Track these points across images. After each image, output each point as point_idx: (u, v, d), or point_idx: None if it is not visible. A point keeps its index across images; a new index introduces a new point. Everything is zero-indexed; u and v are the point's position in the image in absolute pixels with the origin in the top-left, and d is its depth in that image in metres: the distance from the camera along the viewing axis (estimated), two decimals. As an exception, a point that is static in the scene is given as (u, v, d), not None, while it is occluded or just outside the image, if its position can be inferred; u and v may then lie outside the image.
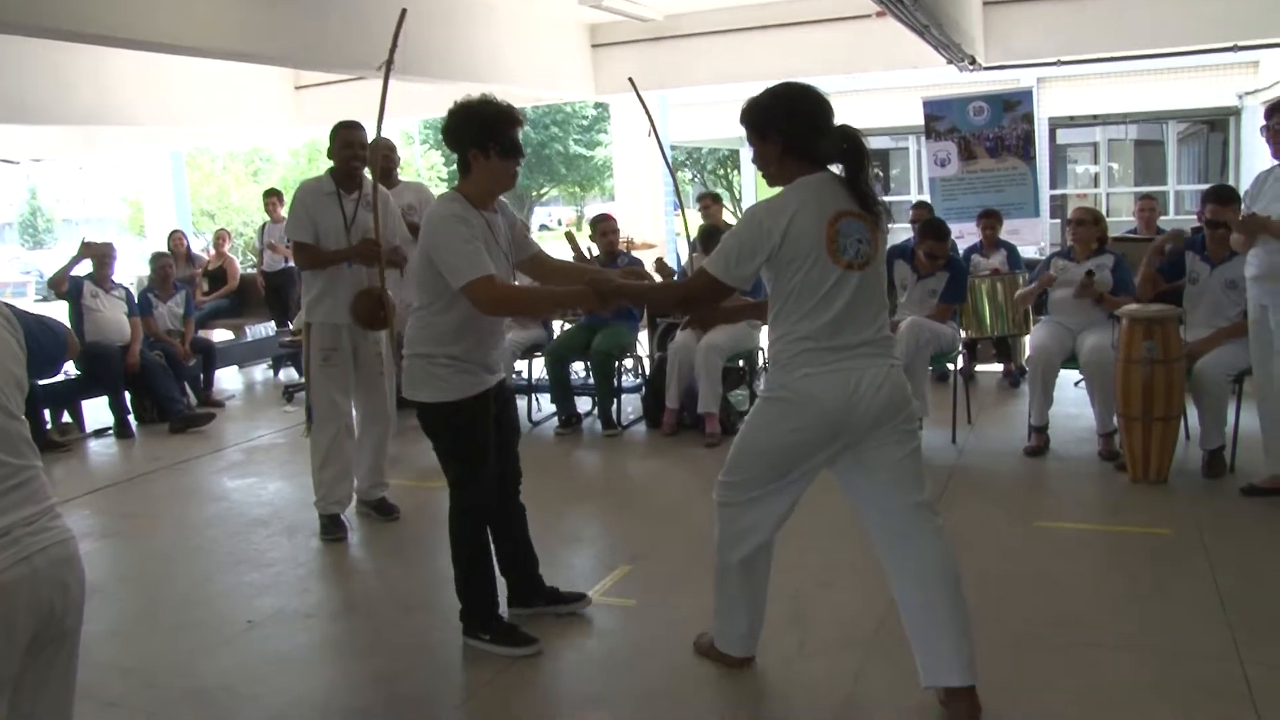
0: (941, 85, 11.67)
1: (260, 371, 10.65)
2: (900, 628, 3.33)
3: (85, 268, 8.26)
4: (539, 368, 7.60)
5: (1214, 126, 21.48)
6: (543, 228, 35.34)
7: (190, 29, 6.70)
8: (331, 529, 5.27)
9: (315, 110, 12.40)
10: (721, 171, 33.23)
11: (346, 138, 5.21)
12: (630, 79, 4.84)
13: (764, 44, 10.39)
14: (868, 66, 10.72)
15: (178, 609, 4.52)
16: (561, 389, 7.25)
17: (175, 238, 10.99)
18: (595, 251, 7.67)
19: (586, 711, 3.51)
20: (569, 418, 7.29)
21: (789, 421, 3.19)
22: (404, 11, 5.28)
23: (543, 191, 35.41)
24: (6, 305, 2.27)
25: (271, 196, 11.06)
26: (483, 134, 3.59)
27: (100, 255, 8.23)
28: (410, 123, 26.64)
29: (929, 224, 6.77)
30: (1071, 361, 6.21)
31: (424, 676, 3.81)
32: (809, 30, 10.30)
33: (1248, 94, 18.65)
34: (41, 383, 7.60)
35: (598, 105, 30.06)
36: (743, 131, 3.29)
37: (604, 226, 7.63)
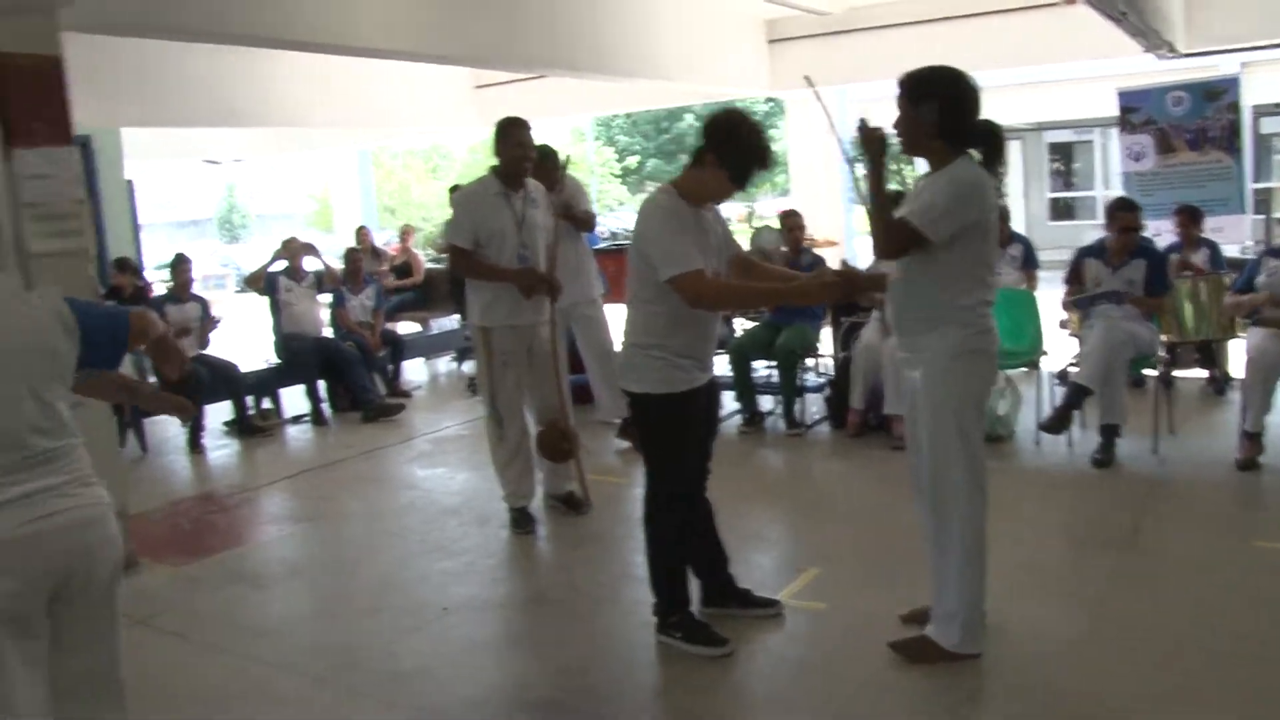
0: (1133, 74, 11.10)
1: (443, 363, 10.99)
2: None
3: (280, 264, 8.67)
4: (719, 364, 7.57)
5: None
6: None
7: (384, 33, 6.98)
8: (522, 522, 5.36)
9: (495, 109, 12.66)
10: (895, 167, 32.52)
11: (515, 136, 5.19)
12: (807, 77, 4.75)
13: (947, 36, 10.10)
14: (1058, 57, 10.32)
15: (375, 593, 4.70)
16: (745, 387, 7.22)
17: (361, 233, 11.41)
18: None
19: (779, 717, 3.49)
20: (752, 416, 7.26)
21: (990, 372, 3.66)
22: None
23: (711, 187, 35.30)
24: (59, 295, 2.45)
25: (454, 192, 11.36)
26: (731, 152, 3.67)
27: (297, 252, 8.62)
28: (584, 119, 26.99)
29: (1116, 200, 6.51)
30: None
31: (614, 671, 3.87)
32: (994, 20, 9.99)
33: None
34: (245, 371, 8.05)
35: (769, 100, 29.90)
36: None
37: (791, 221, 7.55)
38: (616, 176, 31.30)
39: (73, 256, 4.97)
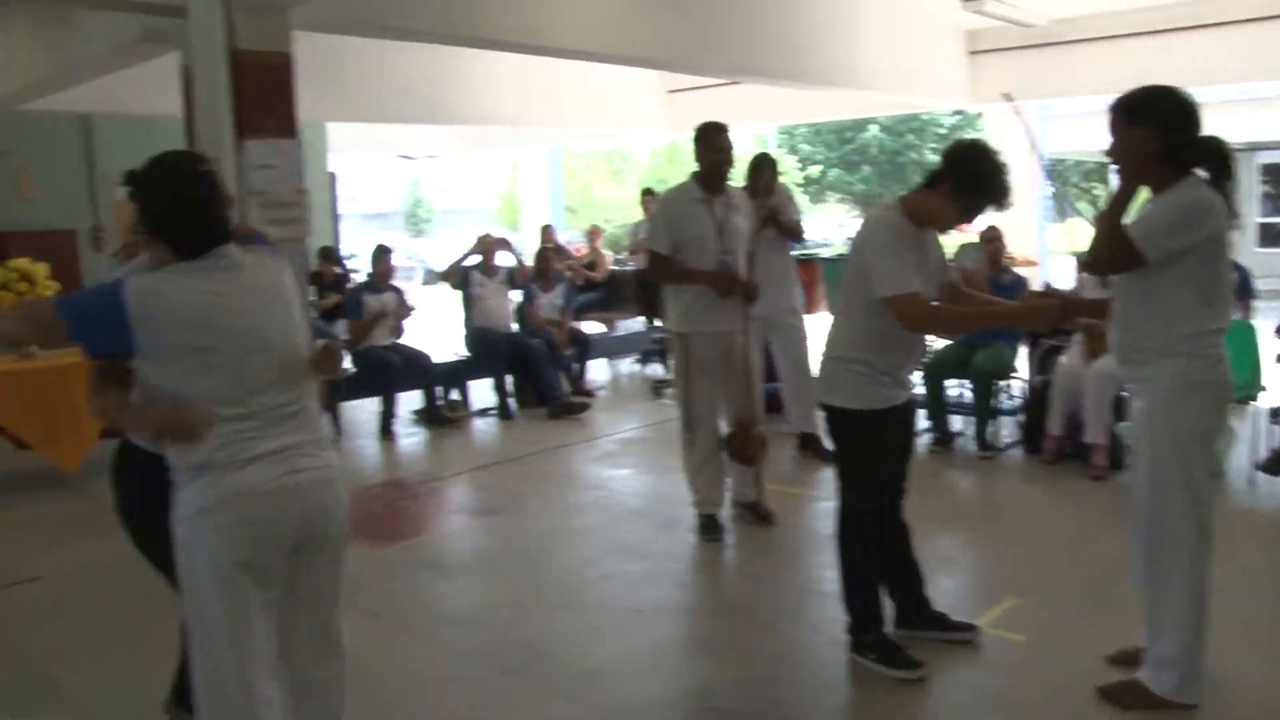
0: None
1: (625, 365, 11.09)
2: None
3: (474, 258, 8.89)
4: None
5: None
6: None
7: (591, 35, 7.06)
8: (709, 529, 5.32)
9: (685, 114, 12.77)
10: (1086, 185, 31.32)
11: (715, 140, 5.14)
12: (1006, 94, 4.56)
13: (1160, 49, 9.64)
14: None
15: (565, 589, 4.77)
16: (938, 406, 7.04)
17: (546, 231, 11.61)
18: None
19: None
20: (943, 436, 7.07)
21: (1220, 407, 3.42)
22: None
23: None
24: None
25: (647, 195, 11.48)
26: (969, 184, 3.59)
27: (490, 248, 8.82)
28: (773, 127, 26.85)
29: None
30: None
31: (801, 685, 3.80)
32: (1211, 34, 9.45)
33: None
34: (436, 362, 8.29)
35: (957, 113, 29.18)
36: None
37: (990, 233, 7.32)
38: (798, 185, 31.01)
39: (292, 243, 5.22)
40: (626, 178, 30.13)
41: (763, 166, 6.39)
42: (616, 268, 11.73)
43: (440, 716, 3.65)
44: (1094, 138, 18.55)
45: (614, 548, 5.28)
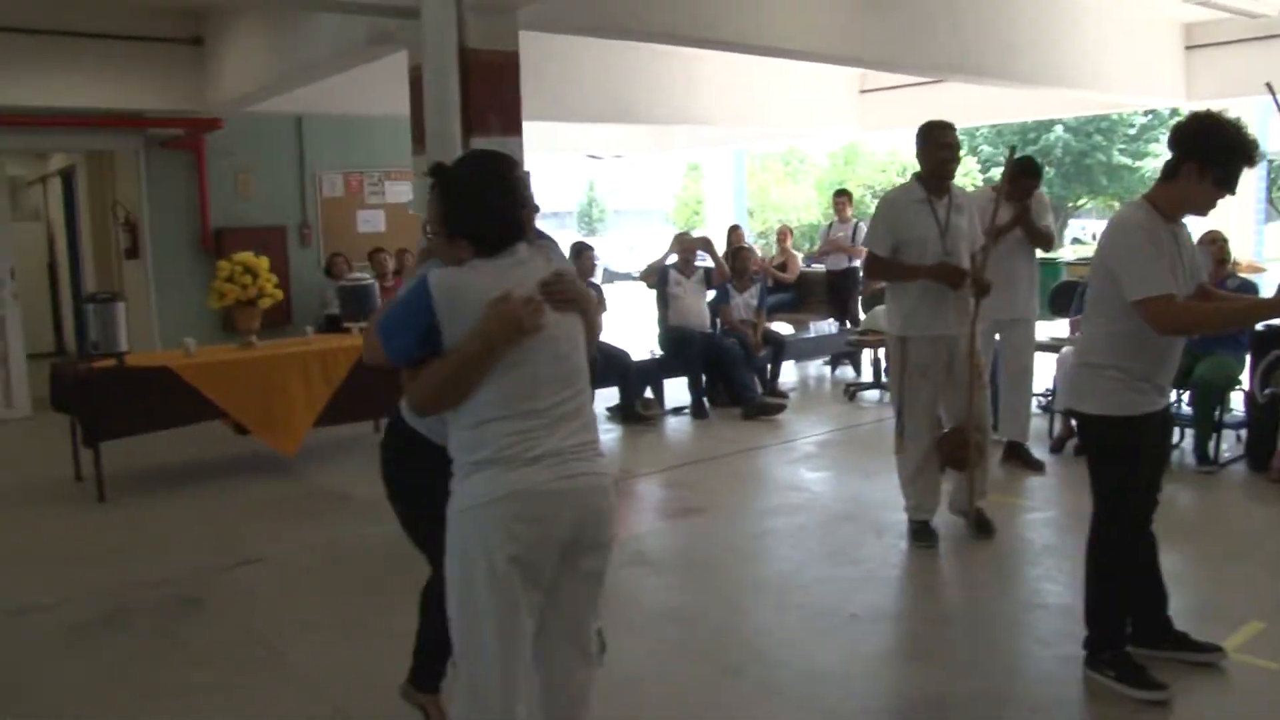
0: None
1: (815, 367, 10.97)
2: None
3: (672, 258, 8.93)
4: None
5: None
6: (1075, 240, 33.42)
7: (805, 34, 7.00)
8: (922, 536, 5.19)
9: (876, 114, 12.56)
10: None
11: (940, 138, 4.99)
12: (1269, 84, 4.27)
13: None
14: None
15: (778, 590, 4.73)
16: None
17: (735, 232, 11.56)
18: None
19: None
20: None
21: None
22: (1013, 149, 5.09)
23: (1080, 203, 33.41)
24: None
25: (841, 197, 11.34)
26: (1214, 153, 3.42)
27: (689, 248, 8.85)
28: (971, 126, 26.15)
29: None
30: None
31: (1036, 704, 3.64)
32: None
33: None
34: (634, 360, 8.35)
35: (1149, 113, 27.80)
36: None
37: (1212, 235, 6.92)
38: (976, 187, 30.23)
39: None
40: (803, 179, 29.84)
41: (1025, 171, 6.20)
42: (805, 268, 11.60)
43: (661, 714, 3.66)
44: None
45: (827, 551, 5.22)
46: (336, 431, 7.41)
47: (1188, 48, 10.20)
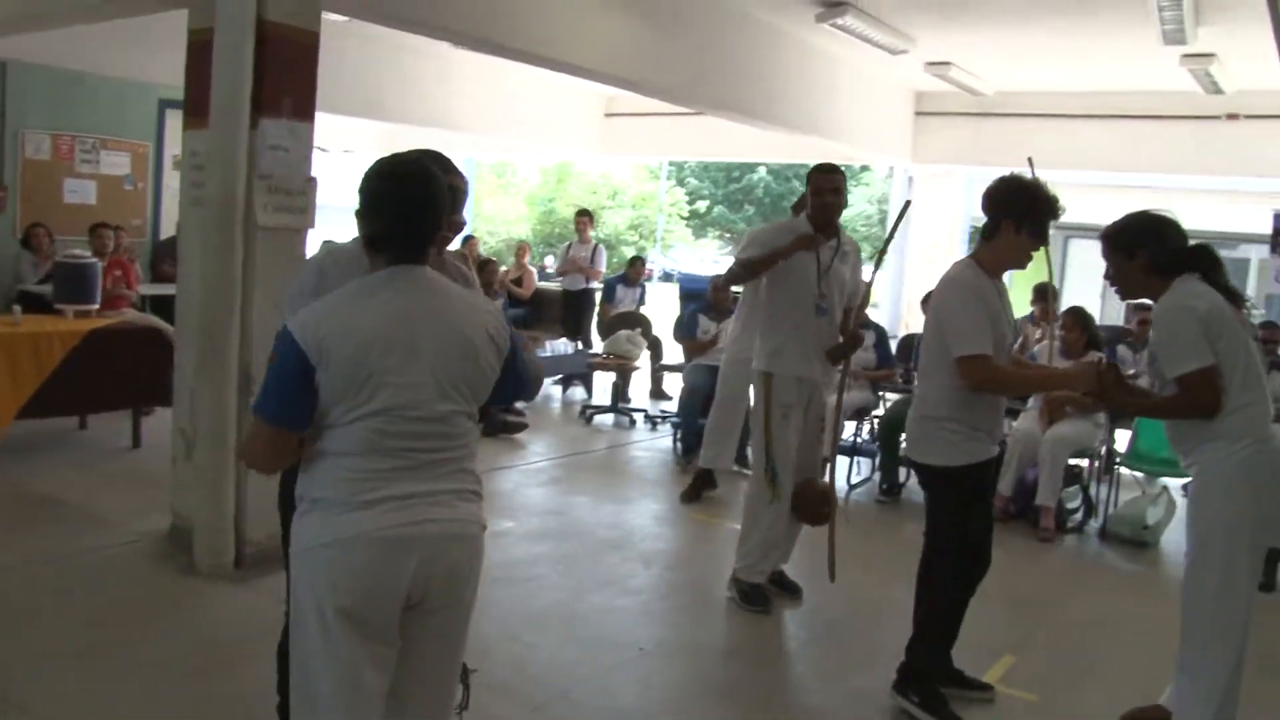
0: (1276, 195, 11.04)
1: (545, 386, 10.88)
2: None
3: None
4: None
5: None
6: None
7: (605, 57, 7.04)
8: (754, 598, 4.89)
9: (621, 139, 12.75)
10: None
11: (822, 182, 4.79)
12: (1030, 159, 4.70)
13: (1098, 133, 10.10)
14: (1212, 170, 10.26)
15: (563, 621, 4.59)
16: (891, 457, 7.12)
17: (470, 244, 11.36)
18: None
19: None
20: (891, 486, 7.16)
21: (1273, 491, 3.44)
22: (908, 203, 5.13)
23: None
24: (501, 323, 2.36)
25: (583, 217, 11.34)
26: (1026, 211, 3.68)
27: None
28: (659, 159, 27.07)
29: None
30: None
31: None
32: (1148, 125, 9.98)
33: None
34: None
35: (846, 164, 29.92)
36: None
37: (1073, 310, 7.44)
38: (683, 218, 31.41)
39: (294, 234, 4.93)
40: (514, 192, 29.86)
41: None
42: (546, 284, 11.57)
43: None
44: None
45: (597, 581, 5.13)
46: (33, 426, 6.60)
47: (917, 114, 11.03)
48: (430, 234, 2.27)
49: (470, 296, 2.39)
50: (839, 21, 7.68)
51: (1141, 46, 7.86)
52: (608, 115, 12.71)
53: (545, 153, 17.30)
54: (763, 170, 31.68)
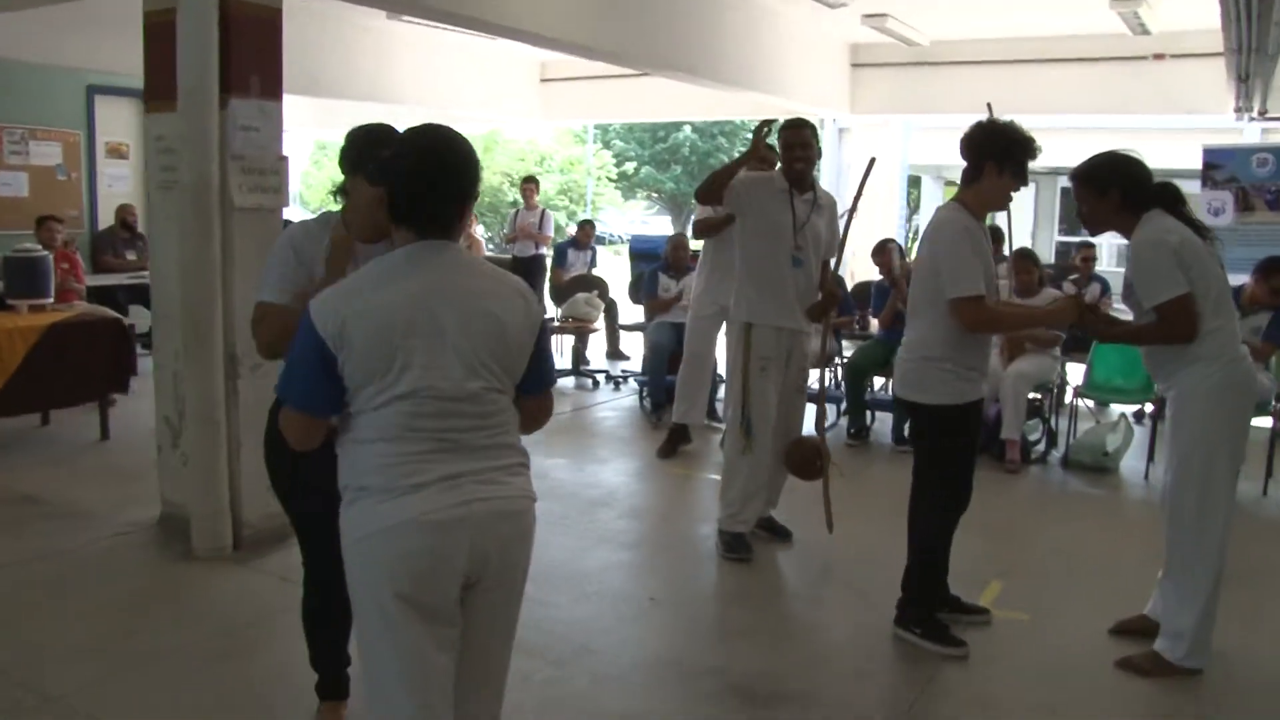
0: (1203, 131, 11.36)
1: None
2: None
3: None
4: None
5: None
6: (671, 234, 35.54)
7: (551, 21, 7.02)
8: (738, 548, 4.95)
9: (558, 104, 12.70)
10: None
11: (788, 138, 4.86)
12: (989, 104, 4.83)
13: (1031, 77, 10.33)
14: (1142, 109, 10.52)
15: (571, 579, 4.66)
16: (858, 402, 7.29)
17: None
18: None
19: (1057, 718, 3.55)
20: (859, 430, 7.33)
21: (1246, 402, 3.75)
22: (873, 160, 5.01)
23: (700, 199, 35.58)
24: (532, 300, 2.33)
25: (529, 184, 11.32)
26: (1006, 152, 3.82)
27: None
28: (584, 123, 26.94)
29: (1271, 260, 6.65)
30: None
31: (856, 667, 3.88)
32: (1079, 68, 10.21)
33: None
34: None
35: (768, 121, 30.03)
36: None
37: (887, 252, 7.72)
38: (611, 180, 31.35)
39: (270, 214, 4.91)
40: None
41: None
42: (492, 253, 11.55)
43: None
44: (950, 151, 19.47)
45: (596, 538, 5.23)
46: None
47: (853, 65, 11.16)
48: (458, 207, 2.23)
49: (498, 272, 2.35)
50: (781, -24, 7.77)
51: (1075, -9, 8.06)
52: (543, 81, 12.67)
53: (484, 121, 17.12)
54: (688, 129, 31.68)
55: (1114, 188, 3.74)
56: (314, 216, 2.88)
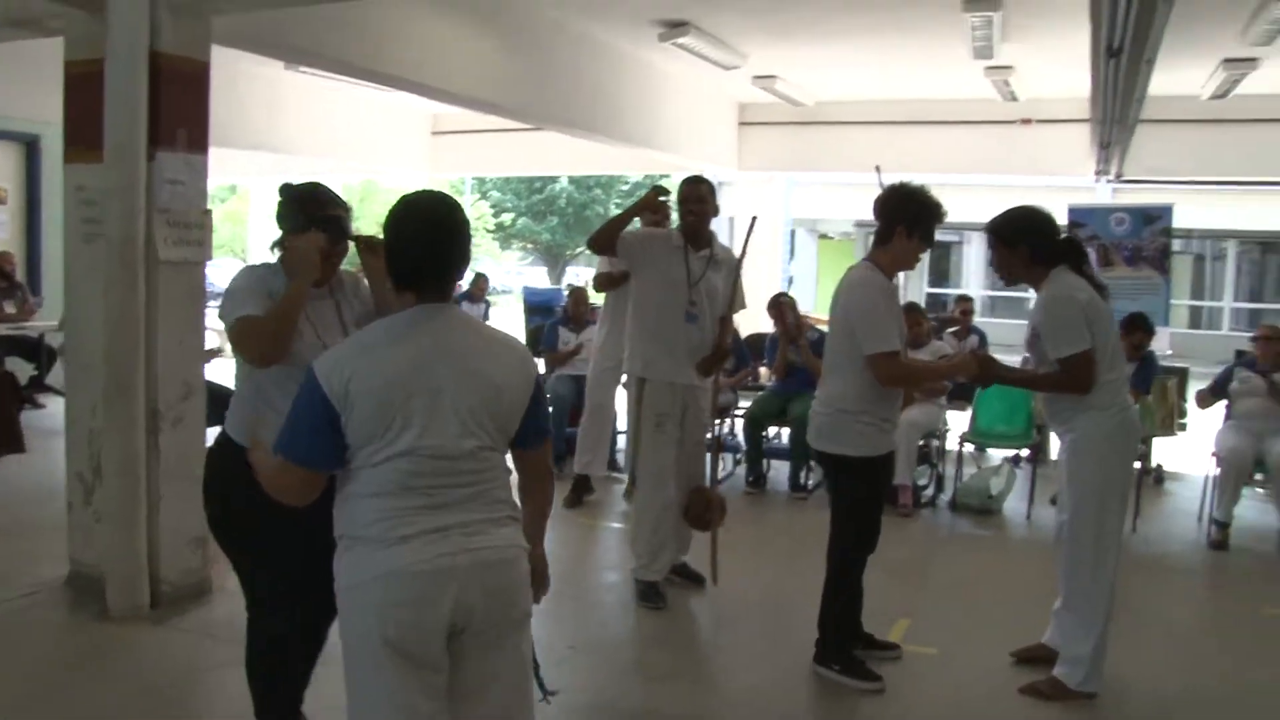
0: (1062, 190, 12.12)
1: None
2: None
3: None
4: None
5: (1268, 249, 22.40)
6: (570, 287, 35.75)
7: (462, 79, 7.20)
8: (651, 596, 5.07)
9: (450, 157, 12.81)
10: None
11: (682, 192, 4.99)
12: (877, 167, 5.17)
13: (909, 138, 10.89)
14: (1011, 170, 11.24)
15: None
16: (757, 451, 7.55)
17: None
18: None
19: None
20: (757, 478, 7.58)
21: (1131, 448, 4.14)
22: (755, 219, 5.11)
23: (577, 251, 35.90)
24: (528, 360, 2.50)
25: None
26: (916, 217, 4.10)
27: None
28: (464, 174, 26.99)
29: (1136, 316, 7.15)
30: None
31: (782, 710, 4.08)
32: (953, 130, 10.83)
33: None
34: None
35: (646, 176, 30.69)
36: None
37: (786, 303, 8.00)
38: (489, 231, 31.43)
39: (194, 267, 4.91)
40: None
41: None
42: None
43: None
44: (839, 206, 19.98)
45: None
46: None
47: (741, 124, 11.58)
48: (455, 272, 2.39)
49: (494, 332, 2.51)
50: (680, 41, 8.07)
51: (952, 60, 8.59)
52: (434, 133, 12.76)
53: (378, 174, 17.09)
54: (565, 180, 32.03)
55: (1023, 243, 4.04)
56: (262, 264, 3.12)
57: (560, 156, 12.18)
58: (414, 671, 2.28)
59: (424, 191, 2.48)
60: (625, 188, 33.42)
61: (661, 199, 5.02)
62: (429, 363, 2.29)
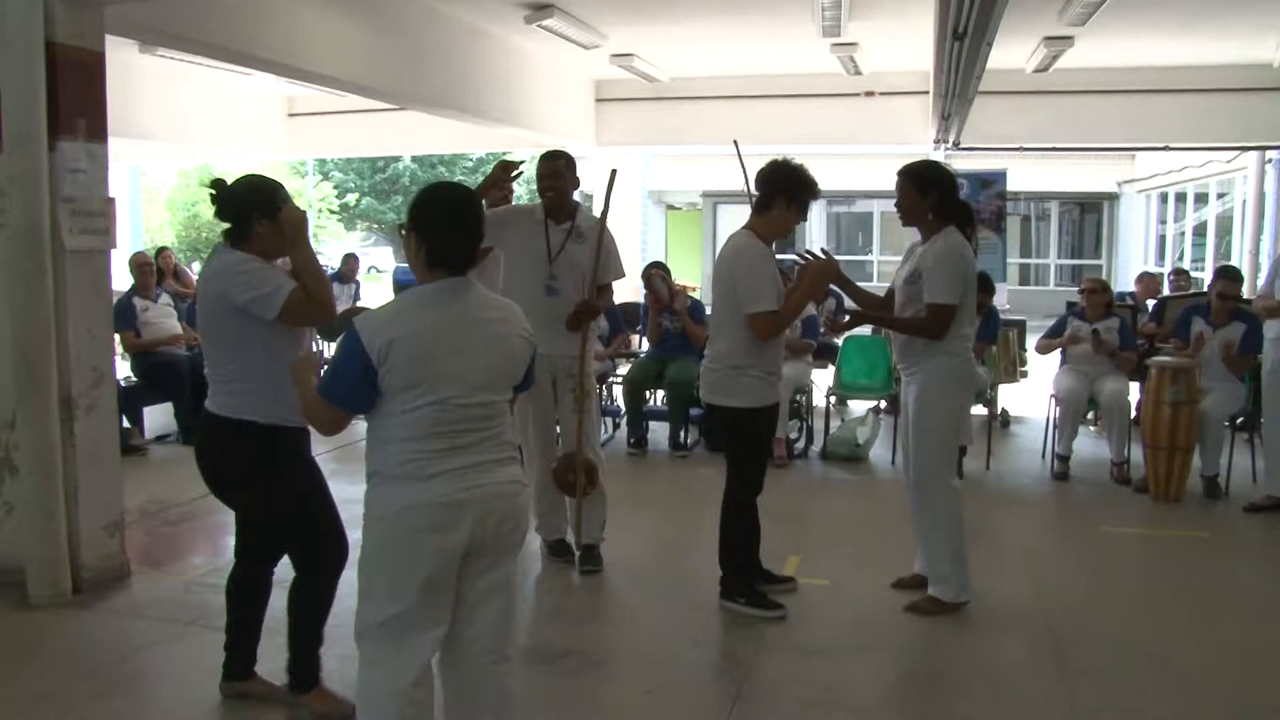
0: (896, 157, 12.83)
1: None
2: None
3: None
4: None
5: (1086, 208, 23.99)
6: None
7: (341, 63, 7.33)
8: (560, 551, 5.40)
9: (306, 139, 12.72)
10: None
11: (539, 169, 5.09)
12: (735, 141, 5.50)
13: (760, 111, 11.38)
14: (857, 140, 11.87)
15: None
16: (637, 414, 7.93)
17: (164, 254, 11.00)
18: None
19: (870, 655, 4.29)
20: (639, 440, 7.96)
21: (970, 392, 5.06)
22: (614, 171, 5.16)
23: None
24: (528, 329, 2.96)
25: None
26: (794, 190, 4.51)
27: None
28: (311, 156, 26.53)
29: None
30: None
31: (694, 636, 4.46)
32: (801, 102, 11.37)
33: (1125, 182, 21.07)
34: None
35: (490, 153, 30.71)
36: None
37: (661, 273, 8.35)
38: (333, 213, 30.94)
39: (99, 255, 4.97)
40: (152, 197, 28.17)
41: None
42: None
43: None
44: (686, 178, 20.38)
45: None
46: None
47: (598, 100, 11.88)
48: (475, 251, 2.80)
49: (504, 304, 2.94)
50: (545, 23, 8.34)
51: (801, 38, 9.08)
52: (291, 115, 12.65)
53: (233, 157, 16.72)
54: (408, 159, 31.75)
55: (934, 190, 4.45)
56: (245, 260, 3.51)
57: (420, 136, 12.28)
58: (424, 594, 2.69)
59: (443, 184, 2.97)
60: (469, 164, 33.34)
61: (514, 173, 4.88)
62: (459, 327, 2.74)
